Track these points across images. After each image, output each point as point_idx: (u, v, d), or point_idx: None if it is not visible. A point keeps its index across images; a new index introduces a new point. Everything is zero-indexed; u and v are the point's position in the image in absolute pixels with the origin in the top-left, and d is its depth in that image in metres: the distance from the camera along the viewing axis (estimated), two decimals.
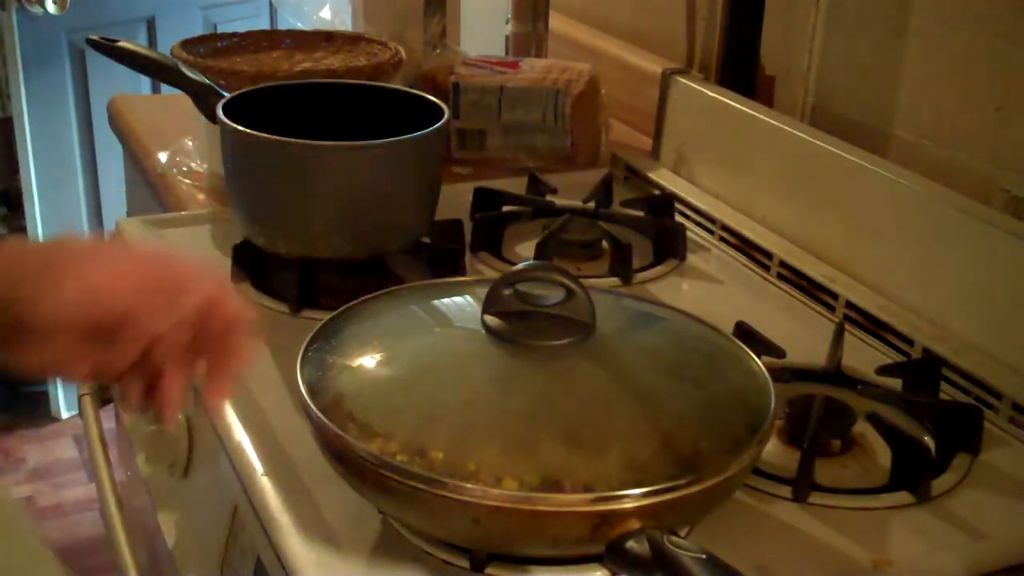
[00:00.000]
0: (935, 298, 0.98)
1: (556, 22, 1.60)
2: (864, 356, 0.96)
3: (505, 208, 1.22)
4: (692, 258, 1.16)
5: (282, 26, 1.88)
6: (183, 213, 1.23)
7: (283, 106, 1.08)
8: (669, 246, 1.16)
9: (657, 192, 1.29)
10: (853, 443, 0.84)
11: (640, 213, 1.21)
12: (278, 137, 0.97)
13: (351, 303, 0.81)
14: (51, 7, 2.35)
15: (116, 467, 1.17)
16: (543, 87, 1.36)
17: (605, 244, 1.14)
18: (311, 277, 1.01)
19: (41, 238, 2.36)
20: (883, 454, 0.82)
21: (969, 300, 0.95)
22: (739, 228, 1.18)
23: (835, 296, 1.05)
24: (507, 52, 1.57)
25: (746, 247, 1.17)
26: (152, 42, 2.55)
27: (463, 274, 1.06)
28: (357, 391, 0.71)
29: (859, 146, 1.09)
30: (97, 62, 2.27)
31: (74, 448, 2.54)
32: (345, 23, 1.60)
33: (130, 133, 1.49)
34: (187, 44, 1.31)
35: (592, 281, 1.04)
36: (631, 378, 0.73)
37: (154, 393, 0.62)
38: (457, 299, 0.83)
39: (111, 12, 2.48)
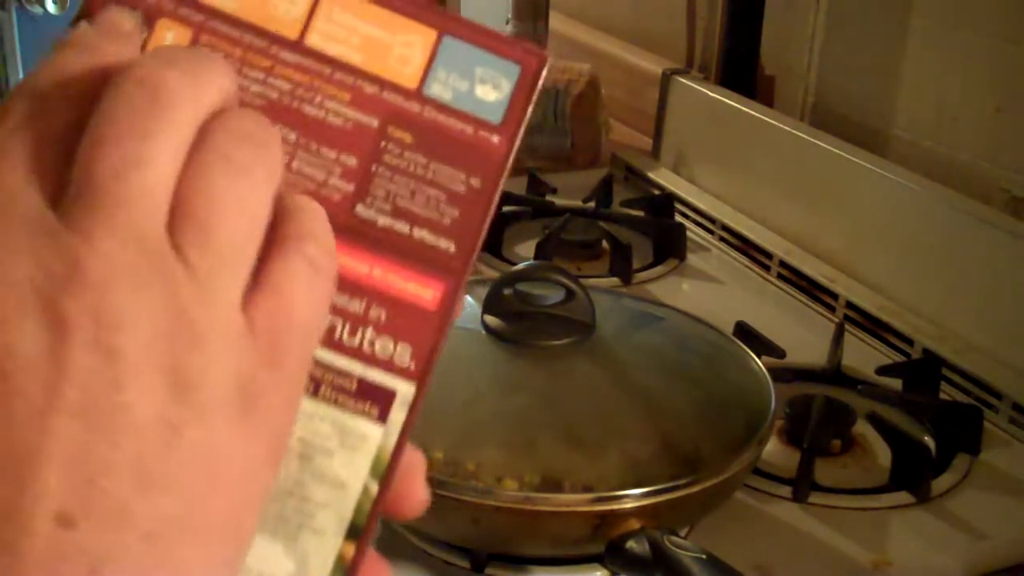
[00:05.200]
0: (935, 298, 0.98)
1: (556, 22, 1.60)
2: (864, 356, 0.96)
3: (505, 208, 1.22)
4: (692, 258, 1.16)
5: None
6: None
7: None
8: (669, 246, 1.16)
9: (657, 192, 1.29)
10: (853, 443, 0.84)
11: (640, 213, 1.21)
12: None
13: None
14: (51, 7, 2.35)
15: None
16: (543, 87, 1.36)
17: (605, 244, 1.14)
18: None
19: None
20: (883, 454, 0.82)
21: (969, 300, 0.95)
22: (739, 228, 1.18)
23: (835, 296, 1.05)
24: None
25: (746, 247, 1.17)
26: None
27: None
28: None
29: (859, 146, 1.09)
30: None
31: None
32: None
33: None
34: None
35: (592, 281, 1.04)
36: (631, 378, 0.73)
37: None
38: None
39: None
